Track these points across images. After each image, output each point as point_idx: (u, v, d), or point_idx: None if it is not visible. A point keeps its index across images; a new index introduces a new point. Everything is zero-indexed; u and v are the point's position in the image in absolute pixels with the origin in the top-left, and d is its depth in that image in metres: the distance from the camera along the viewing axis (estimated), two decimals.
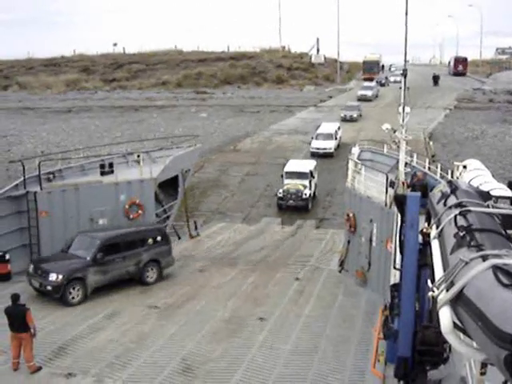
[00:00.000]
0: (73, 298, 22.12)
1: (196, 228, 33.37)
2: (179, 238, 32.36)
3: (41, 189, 25.83)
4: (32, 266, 22.90)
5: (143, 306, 22.30)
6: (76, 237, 24.18)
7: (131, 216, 28.01)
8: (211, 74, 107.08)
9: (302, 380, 16.67)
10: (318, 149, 49.46)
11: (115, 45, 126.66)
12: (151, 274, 24.89)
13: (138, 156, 30.34)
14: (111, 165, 29.10)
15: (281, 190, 37.01)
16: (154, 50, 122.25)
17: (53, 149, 51.47)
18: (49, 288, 21.91)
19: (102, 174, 28.68)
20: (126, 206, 27.90)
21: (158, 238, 25.31)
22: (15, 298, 17.35)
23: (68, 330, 19.71)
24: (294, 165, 39.46)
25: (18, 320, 16.74)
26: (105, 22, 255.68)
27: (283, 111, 75.63)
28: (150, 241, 24.95)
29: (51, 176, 27.79)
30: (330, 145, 49.65)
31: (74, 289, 22.15)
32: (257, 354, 18.16)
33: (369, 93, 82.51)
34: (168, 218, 31.39)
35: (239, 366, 17.30)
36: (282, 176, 38.18)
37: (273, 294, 23.98)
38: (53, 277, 21.87)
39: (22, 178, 25.90)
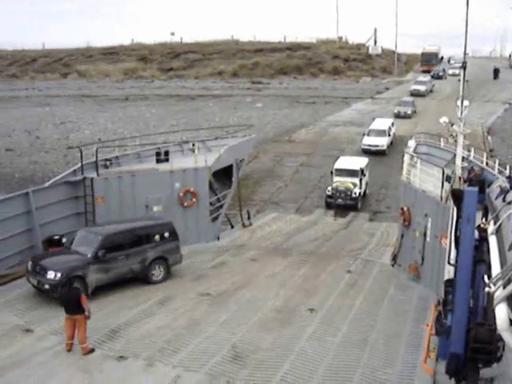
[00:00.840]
0: None
1: (249, 217, 33.54)
2: (232, 227, 32.63)
3: (97, 175, 26.32)
4: (30, 263, 21.47)
5: (195, 292, 22.43)
6: (78, 232, 23.23)
7: (185, 204, 28.28)
8: (267, 64, 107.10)
9: (351, 372, 16.58)
10: (369, 146, 47.47)
11: (172, 34, 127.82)
12: (157, 273, 23.49)
13: (194, 145, 30.64)
14: (167, 153, 29.44)
15: (329, 188, 36.07)
16: (210, 40, 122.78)
17: (110, 136, 52.48)
18: (46, 286, 20.36)
19: (158, 161, 29.04)
20: (181, 194, 28.15)
21: (166, 235, 23.83)
22: (69, 281, 17.70)
23: (121, 314, 20.01)
24: (344, 162, 38.04)
25: (72, 303, 17.08)
26: (162, 11, 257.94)
27: (339, 102, 75.16)
28: (157, 237, 23.46)
29: (108, 163, 28.26)
30: (382, 142, 47.62)
31: None
32: (306, 345, 18.12)
33: (422, 88, 78.98)
34: (221, 206, 31.57)
35: (288, 356, 17.29)
36: (331, 173, 37.14)
37: (324, 285, 23.88)
38: (51, 275, 20.39)
39: (80, 164, 26.38)
